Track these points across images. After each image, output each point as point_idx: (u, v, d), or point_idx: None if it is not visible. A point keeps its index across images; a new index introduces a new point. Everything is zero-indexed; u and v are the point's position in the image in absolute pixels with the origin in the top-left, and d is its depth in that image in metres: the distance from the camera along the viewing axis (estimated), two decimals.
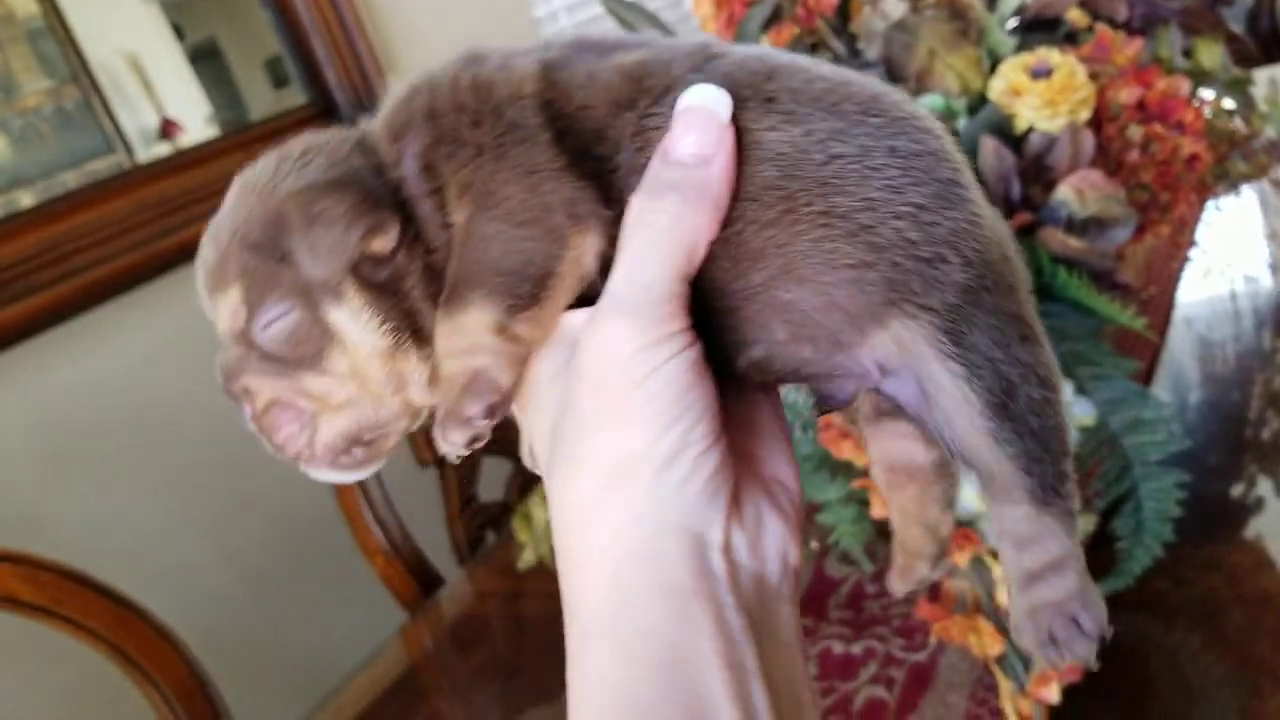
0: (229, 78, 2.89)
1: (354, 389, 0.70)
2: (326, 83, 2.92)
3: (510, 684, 1.82)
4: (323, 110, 2.93)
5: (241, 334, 0.70)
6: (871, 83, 0.75)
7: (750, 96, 0.73)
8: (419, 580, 2.14)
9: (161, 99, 2.66)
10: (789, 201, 0.71)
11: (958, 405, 0.73)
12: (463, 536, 2.32)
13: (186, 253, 2.41)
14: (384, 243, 0.70)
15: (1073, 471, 0.77)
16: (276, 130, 2.79)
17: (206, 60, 2.81)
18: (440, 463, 2.30)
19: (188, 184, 2.58)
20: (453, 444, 0.68)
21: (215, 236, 0.72)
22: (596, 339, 0.67)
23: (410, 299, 0.71)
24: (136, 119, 2.59)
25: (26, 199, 2.35)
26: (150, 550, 2.44)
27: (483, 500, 2.40)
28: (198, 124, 2.74)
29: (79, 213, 2.39)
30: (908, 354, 0.74)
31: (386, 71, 3.04)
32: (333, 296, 0.69)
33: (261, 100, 2.94)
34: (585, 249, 0.70)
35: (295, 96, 2.95)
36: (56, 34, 2.44)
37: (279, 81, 2.97)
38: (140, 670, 1.77)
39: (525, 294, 0.67)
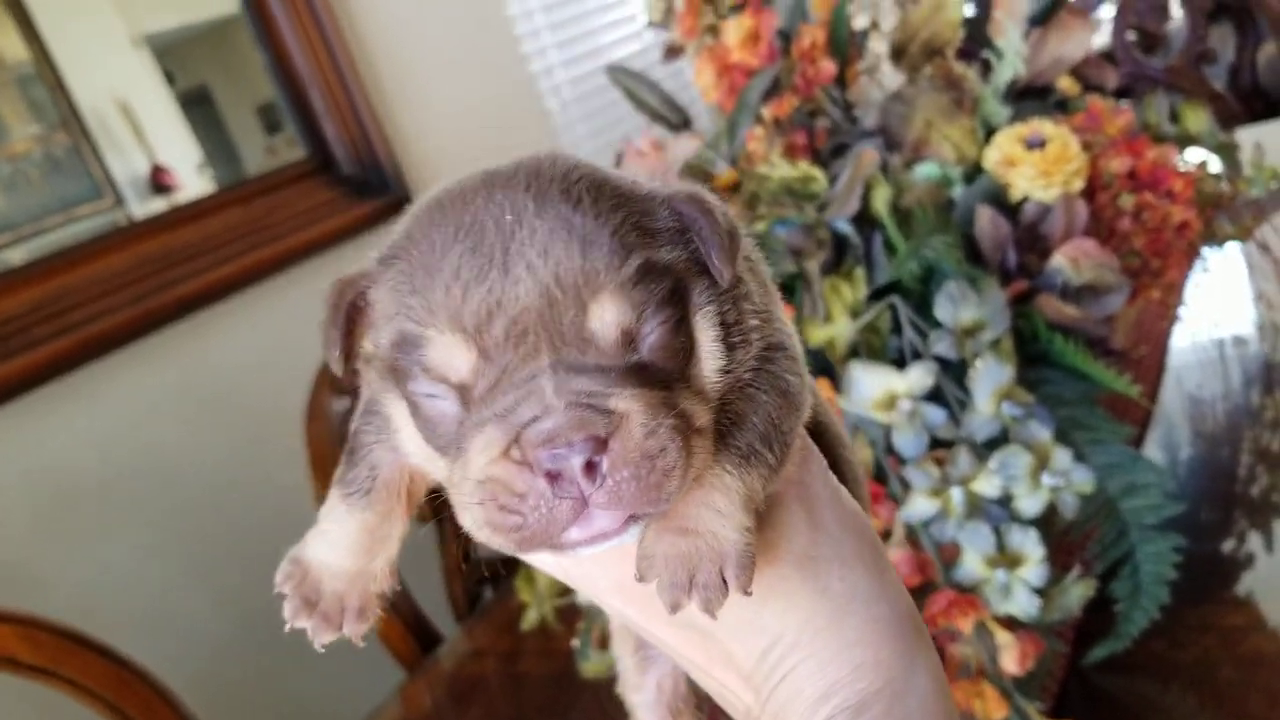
0: (220, 124, 2.90)
1: (704, 410, 0.68)
2: (325, 137, 2.94)
3: None
4: (321, 164, 2.94)
5: (626, 342, 0.65)
6: None
7: None
8: (417, 638, 2.14)
9: (152, 145, 2.67)
10: (820, 411, 0.89)
11: None
12: (461, 593, 2.32)
13: (182, 308, 2.43)
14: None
15: None
16: (274, 185, 2.81)
17: (197, 106, 2.82)
18: (439, 519, 2.30)
19: (184, 239, 2.59)
20: (712, 609, 0.68)
21: (586, 227, 0.66)
22: (808, 468, 0.80)
23: (739, 331, 0.73)
24: (126, 165, 2.60)
25: (15, 250, 2.35)
26: (147, 604, 2.43)
27: (480, 556, 2.39)
28: (189, 171, 2.74)
29: (76, 268, 2.39)
30: None
31: (385, 127, 3.06)
32: (707, 304, 0.70)
33: (253, 147, 2.95)
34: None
35: (291, 149, 2.96)
36: (46, 79, 2.45)
37: (271, 128, 2.98)
38: None
39: (784, 459, 0.74)
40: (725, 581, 0.67)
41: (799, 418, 0.76)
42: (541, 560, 0.85)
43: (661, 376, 0.66)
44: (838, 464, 0.87)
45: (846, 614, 0.74)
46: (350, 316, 0.73)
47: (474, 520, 0.66)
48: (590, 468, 0.61)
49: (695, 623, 0.76)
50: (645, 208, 0.69)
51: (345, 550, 0.82)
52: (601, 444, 0.61)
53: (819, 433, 0.87)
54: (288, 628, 0.81)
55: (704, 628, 0.77)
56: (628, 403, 0.62)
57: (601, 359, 0.64)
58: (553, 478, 0.61)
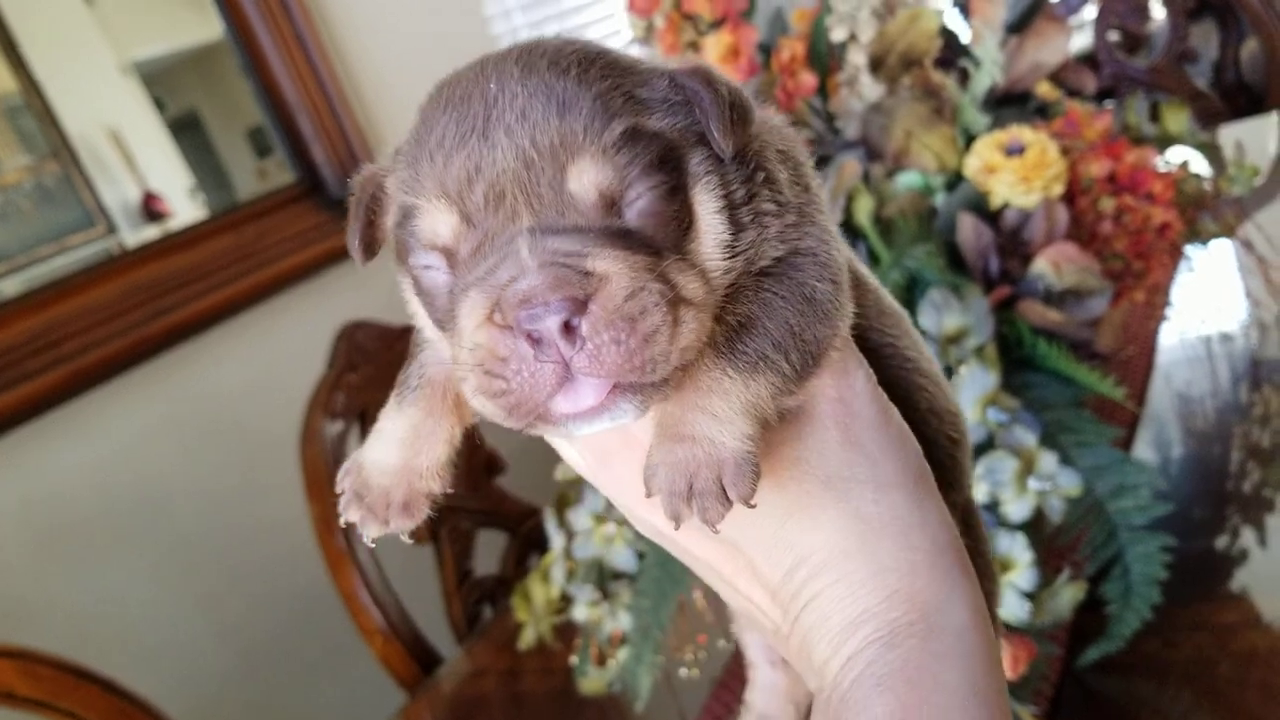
0: (211, 149, 2.90)
1: (704, 287, 0.67)
2: (313, 160, 2.94)
3: None
4: (310, 188, 2.95)
5: (607, 205, 0.65)
6: None
7: None
8: (417, 660, 2.14)
9: (143, 172, 2.67)
10: (891, 335, 0.85)
11: None
12: (460, 612, 2.32)
13: (175, 335, 2.43)
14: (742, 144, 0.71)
15: None
16: (264, 210, 2.81)
17: (187, 132, 2.82)
18: (436, 539, 2.31)
19: (177, 266, 2.59)
20: (711, 519, 0.67)
21: (568, 92, 0.66)
22: (849, 384, 0.77)
23: (749, 209, 0.71)
24: (118, 192, 2.60)
25: (9, 280, 2.35)
26: (146, 632, 2.44)
27: (479, 575, 2.40)
28: (180, 196, 2.75)
29: (69, 299, 2.40)
30: None
31: (373, 149, 3.06)
32: (708, 176, 0.68)
33: (244, 170, 2.95)
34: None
35: (282, 172, 2.97)
36: (35, 110, 2.45)
37: (261, 151, 2.99)
38: None
39: (804, 376, 0.72)
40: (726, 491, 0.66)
41: (829, 327, 0.73)
42: (575, 461, 0.84)
43: (650, 244, 0.65)
44: (909, 390, 0.85)
45: (880, 539, 0.71)
46: (370, 208, 0.75)
47: (470, 389, 0.66)
48: (570, 330, 0.60)
49: (726, 538, 0.76)
50: (642, 79, 0.69)
51: (394, 446, 0.81)
52: (580, 305, 0.60)
53: (882, 354, 0.84)
54: (342, 521, 0.81)
55: (730, 539, 0.76)
56: (607, 264, 0.62)
57: (581, 220, 0.64)
58: (534, 340, 0.61)
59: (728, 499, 0.66)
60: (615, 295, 0.61)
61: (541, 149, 0.63)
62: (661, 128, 0.67)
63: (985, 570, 0.87)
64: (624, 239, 0.64)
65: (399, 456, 0.81)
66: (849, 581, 0.71)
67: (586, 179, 0.64)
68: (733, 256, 0.69)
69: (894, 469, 0.74)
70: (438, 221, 0.66)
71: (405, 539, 0.82)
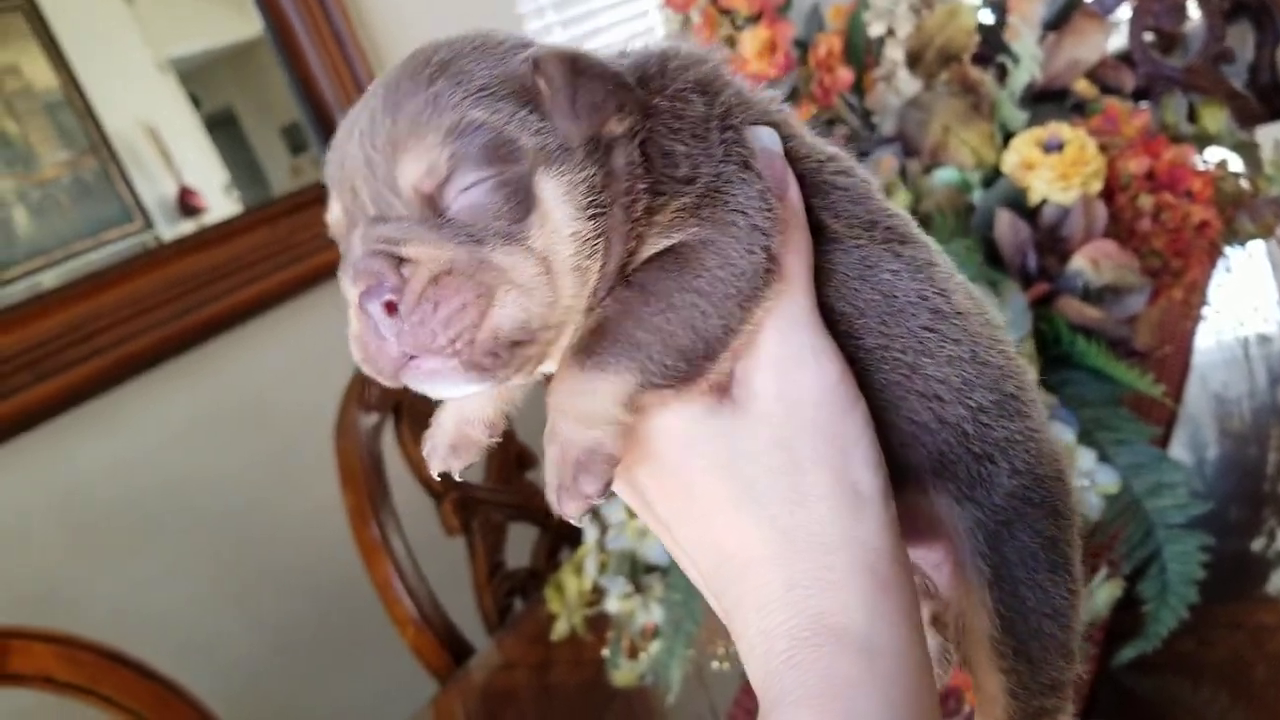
0: (246, 145, 2.93)
1: (537, 271, 0.68)
2: None
3: None
4: None
5: (427, 196, 0.67)
6: (972, 292, 0.83)
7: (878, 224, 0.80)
8: (450, 650, 2.15)
9: (179, 168, 2.69)
10: (885, 335, 0.77)
11: (974, 607, 0.79)
12: (491, 604, 2.33)
13: (212, 328, 2.45)
14: (622, 126, 0.70)
15: (1061, 709, 0.82)
16: (300, 204, 2.83)
17: (223, 128, 2.85)
18: (468, 531, 2.32)
19: (211, 261, 2.62)
20: (571, 515, 0.70)
21: (408, 92, 0.68)
22: (795, 382, 0.73)
23: (610, 194, 0.70)
24: (154, 188, 2.63)
25: (46, 274, 2.38)
26: (180, 623, 2.46)
27: (510, 567, 2.41)
28: (215, 193, 2.77)
29: (106, 291, 2.43)
30: (946, 536, 0.81)
31: None
32: (554, 164, 0.68)
33: (278, 167, 2.97)
34: (754, 324, 0.73)
35: (316, 169, 2.98)
36: (75, 106, 2.48)
37: (296, 148, 3.01)
38: None
39: (679, 374, 0.70)
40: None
41: (719, 318, 0.70)
42: None
43: (476, 232, 0.67)
44: (900, 395, 0.78)
45: (795, 552, 0.69)
46: None
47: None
48: (393, 309, 0.66)
49: (660, 519, 0.78)
50: (503, 72, 0.70)
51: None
52: (399, 289, 0.65)
53: (875, 356, 0.77)
54: (424, 452, 0.86)
55: (668, 526, 0.77)
56: (418, 249, 0.66)
57: (406, 213, 0.68)
58: (370, 318, 0.67)
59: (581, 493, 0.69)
60: (421, 278, 0.65)
61: (378, 148, 0.67)
62: (498, 119, 0.67)
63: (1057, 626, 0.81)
64: (445, 228, 0.67)
65: (456, 404, 0.85)
66: (766, 590, 0.69)
67: (409, 174, 0.67)
68: (592, 240, 0.69)
69: (826, 483, 0.70)
70: (330, 212, 0.73)
71: (456, 476, 0.86)
